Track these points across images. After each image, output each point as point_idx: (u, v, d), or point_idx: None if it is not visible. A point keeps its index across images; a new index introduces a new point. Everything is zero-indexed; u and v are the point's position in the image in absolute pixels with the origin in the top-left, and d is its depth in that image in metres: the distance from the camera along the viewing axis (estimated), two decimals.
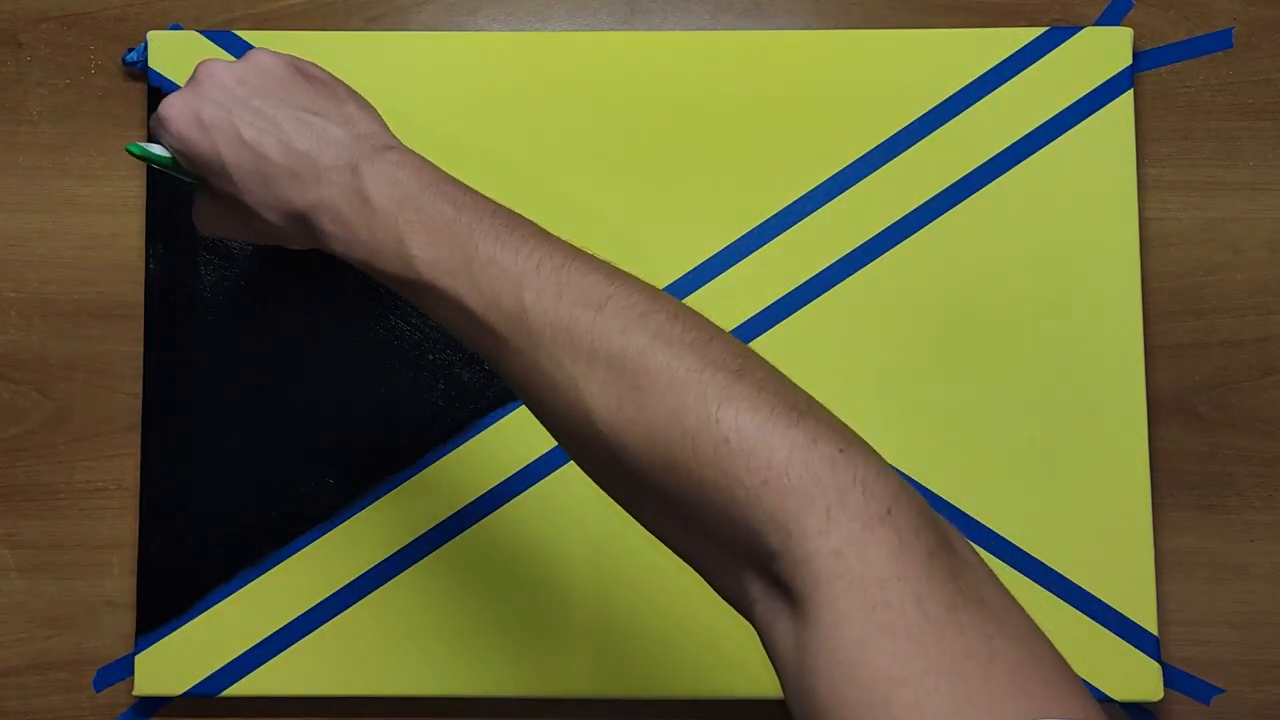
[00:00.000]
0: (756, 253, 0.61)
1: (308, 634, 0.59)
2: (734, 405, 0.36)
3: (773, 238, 0.61)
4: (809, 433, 0.36)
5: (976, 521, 0.59)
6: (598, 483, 0.42)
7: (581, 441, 0.40)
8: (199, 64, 0.48)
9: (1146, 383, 0.60)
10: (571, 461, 0.59)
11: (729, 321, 0.60)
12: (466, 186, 0.45)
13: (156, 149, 0.49)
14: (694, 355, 0.38)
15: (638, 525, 0.60)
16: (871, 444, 0.38)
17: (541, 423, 0.42)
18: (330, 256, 0.46)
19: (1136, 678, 0.58)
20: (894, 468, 0.38)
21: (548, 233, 0.44)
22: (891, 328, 0.60)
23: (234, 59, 0.48)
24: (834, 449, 0.36)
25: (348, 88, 0.49)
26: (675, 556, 0.42)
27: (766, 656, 0.38)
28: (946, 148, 0.61)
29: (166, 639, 0.59)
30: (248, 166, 0.46)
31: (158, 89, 0.62)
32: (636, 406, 0.38)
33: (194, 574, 0.59)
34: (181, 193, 0.61)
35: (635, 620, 0.59)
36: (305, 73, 0.49)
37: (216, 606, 0.59)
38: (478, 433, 0.60)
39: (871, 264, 0.61)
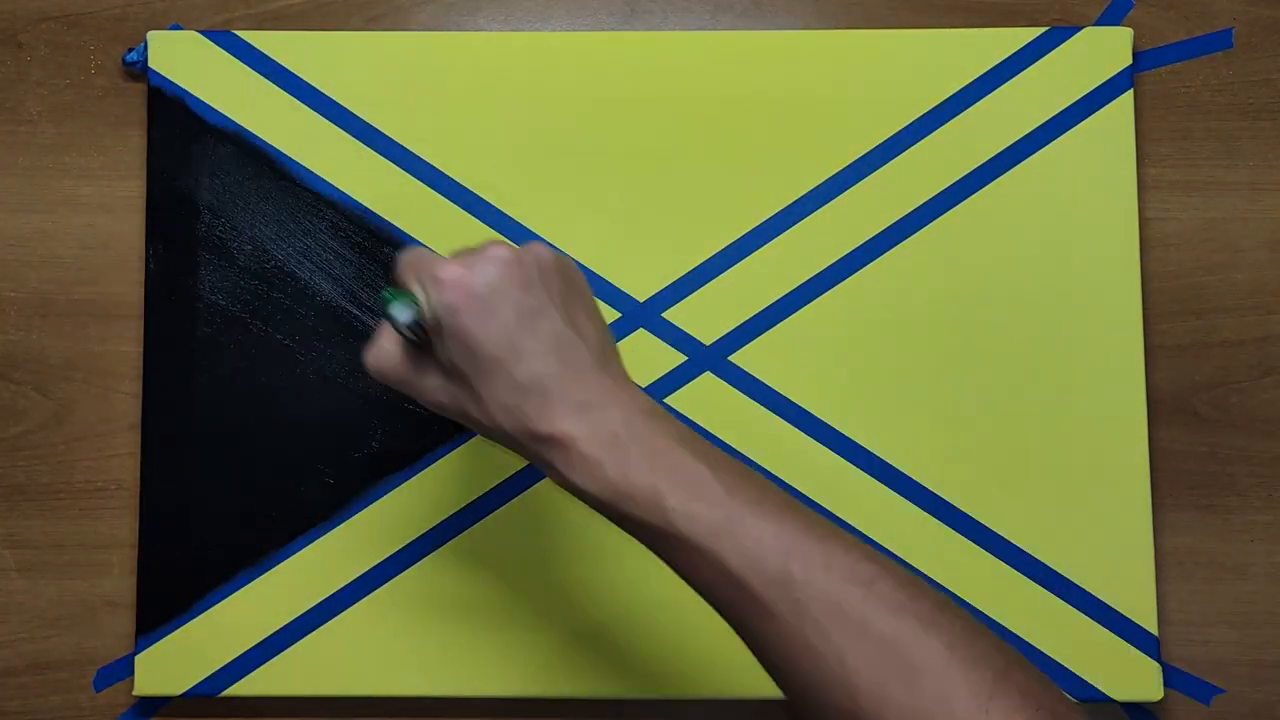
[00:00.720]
0: (756, 253, 0.61)
1: (308, 634, 0.59)
2: (1002, 701, 0.38)
3: (773, 238, 0.61)
4: None
5: (977, 521, 0.59)
6: None
7: (839, 715, 0.40)
8: (490, 243, 0.45)
9: (1146, 383, 0.60)
10: None
11: (729, 321, 0.60)
12: (711, 446, 0.44)
13: (404, 303, 0.46)
14: (965, 647, 0.39)
15: None
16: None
17: (787, 693, 0.42)
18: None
19: (1136, 678, 0.58)
20: None
21: (797, 502, 0.43)
22: (891, 328, 0.60)
23: (512, 247, 0.45)
24: None
25: (594, 300, 0.47)
26: None
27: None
28: (946, 148, 0.61)
29: (166, 639, 0.59)
30: (506, 369, 0.44)
31: (158, 89, 0.62)
32: (906, 689, 0.38)
33: (194, 574, 0.59)
34: (183, 193, 0.61)
35: (635, 620, 0.59)
36: (573, 278, 0.46)
37: (216, 606, 0.59)
38: (477, 433, 0.60)
39: (871, 264, 0.61)
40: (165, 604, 0.59)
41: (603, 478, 0.43)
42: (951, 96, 0.61)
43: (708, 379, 0.60)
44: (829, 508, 0.59)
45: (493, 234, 0.61)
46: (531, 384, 0.44)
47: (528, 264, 0.45)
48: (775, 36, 0.62)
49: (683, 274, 0.61)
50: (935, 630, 0.39)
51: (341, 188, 0.61)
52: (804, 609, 0.40)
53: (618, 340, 0.60)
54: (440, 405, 0.47)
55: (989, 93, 0.61)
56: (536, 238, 0.61)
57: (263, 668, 0.59)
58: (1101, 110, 0.61)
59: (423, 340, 0.46)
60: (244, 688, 0.59)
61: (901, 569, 0.42)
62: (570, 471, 0.43)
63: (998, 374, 0.60)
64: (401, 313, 0.45)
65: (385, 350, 0.48)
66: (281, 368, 0.60)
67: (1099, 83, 0.61)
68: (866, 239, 0.61)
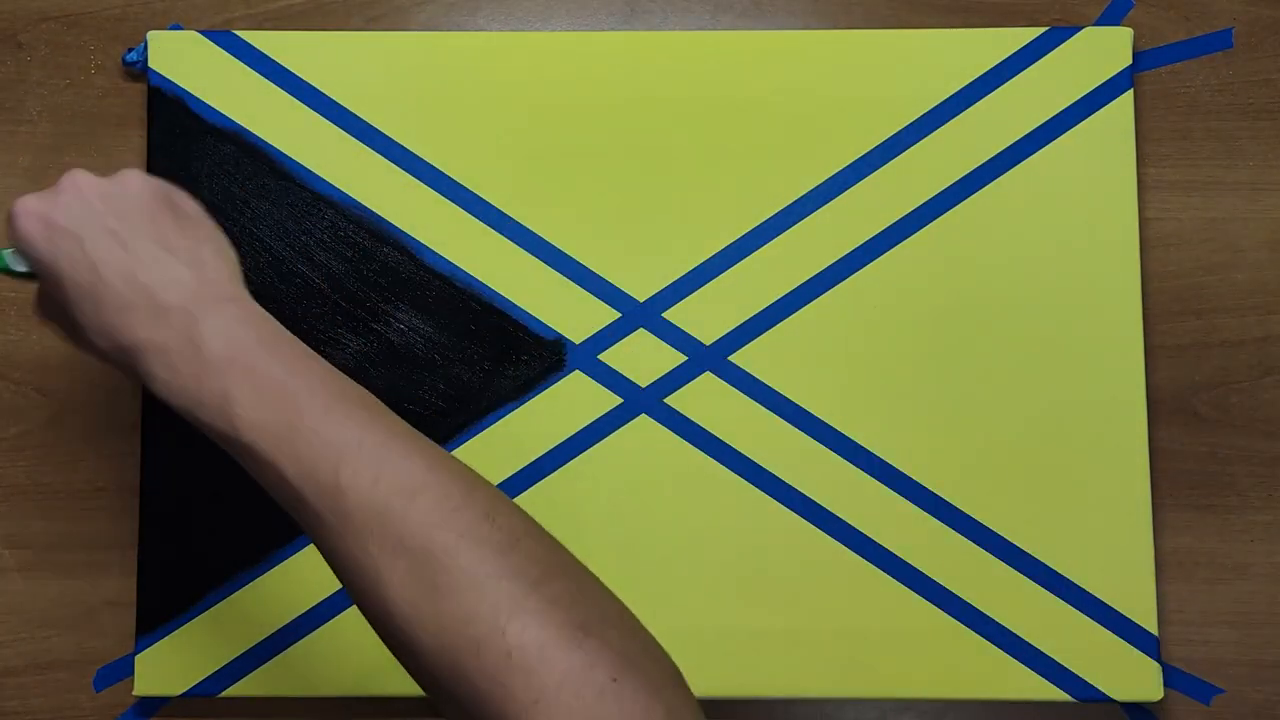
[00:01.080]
0: (756, 253, 0.61)
1: (308, 634, 0.59)
2: (522, 619, 0.37)
3: (773, 238, 0.61)
4: (589, 657, 0.36)
5: (976, 521, 0.59)
6: (402, 662, 0.41)
7: (381, 631, 0.40)
8: (67, 172, 0.46)
9: (1146, 383, 0.60)
10: (571, 462, 0.59)
11: (729, 322, 0.60)
12: (307, 349, 0.44)
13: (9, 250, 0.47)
14: (497, 560, 0.38)
15: (637, 526, 0.60)
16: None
17: (352, 598, 0.42)
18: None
19: (1136, 678, 0.58)
20: (682, 691, 0.40)
21: (381, 406, 0.43)
22: (891, 328, 0.60)
23: (102, 178, 0.46)
24: (607, 677, 0.36)
25: (213, 228, 0.48)
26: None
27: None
28: (946, 148, 0.61)
29: (166, 639, 0.59)
30: (84, 285, 0.44)
31: (158, 89, 0.62)
32: (433, 608, 0.38)
33: (194, 574, 0.59)
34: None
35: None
36: (173, 205, 0.47)
37: (216, 606, 0.59)
38: (478, 433, 0.60)
39: (871, 264, 0.61)
40: (165, 604, 0.59)
41: (180, 387, 0.43)
42: (951, 96, 0.61)
43: (708, 379, 0.60)
44: (829, 507, 0.59)
45: (484, 230, 0.61)
46: (112, 297, 0.44)
47: (110, 184, 0.46)
48: (775, 36, 0.62)
49: (683, 274, 0.61)
50: (472, 543, 0.38)
51: (341, 188, 0.61)
52: (349, 520, 0.39)
53: (617, 340, 0.60)
54: (69, 339, 0.48)
55: (989, 93, 0.61)
56: (537, 237, 0.61)
57: (263, 668, 0.59)
58: (1101, 110, 0.61)
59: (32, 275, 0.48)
60: (244, 688, 0.59)
61: (466, 473, 0.41)
62: (151, 381, 0.44)
63: (998, 374, 0.60)
64: (10, 260, 0.47)
65: (38, 301, 0.49)
66: None
67: (1099, 83, 0.61)
68: (866, 239, 0.61)
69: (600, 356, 0.60)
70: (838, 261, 0.61)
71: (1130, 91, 0.61)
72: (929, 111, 0.61)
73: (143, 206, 0.46)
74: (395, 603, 0.38)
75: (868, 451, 0.60)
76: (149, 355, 0.43)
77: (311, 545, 0.59)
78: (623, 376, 0.60)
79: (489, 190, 0.61)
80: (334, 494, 0.40)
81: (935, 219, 0.61)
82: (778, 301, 0.61)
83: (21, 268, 0.47)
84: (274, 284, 0.61)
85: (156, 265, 0.44)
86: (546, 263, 0.61)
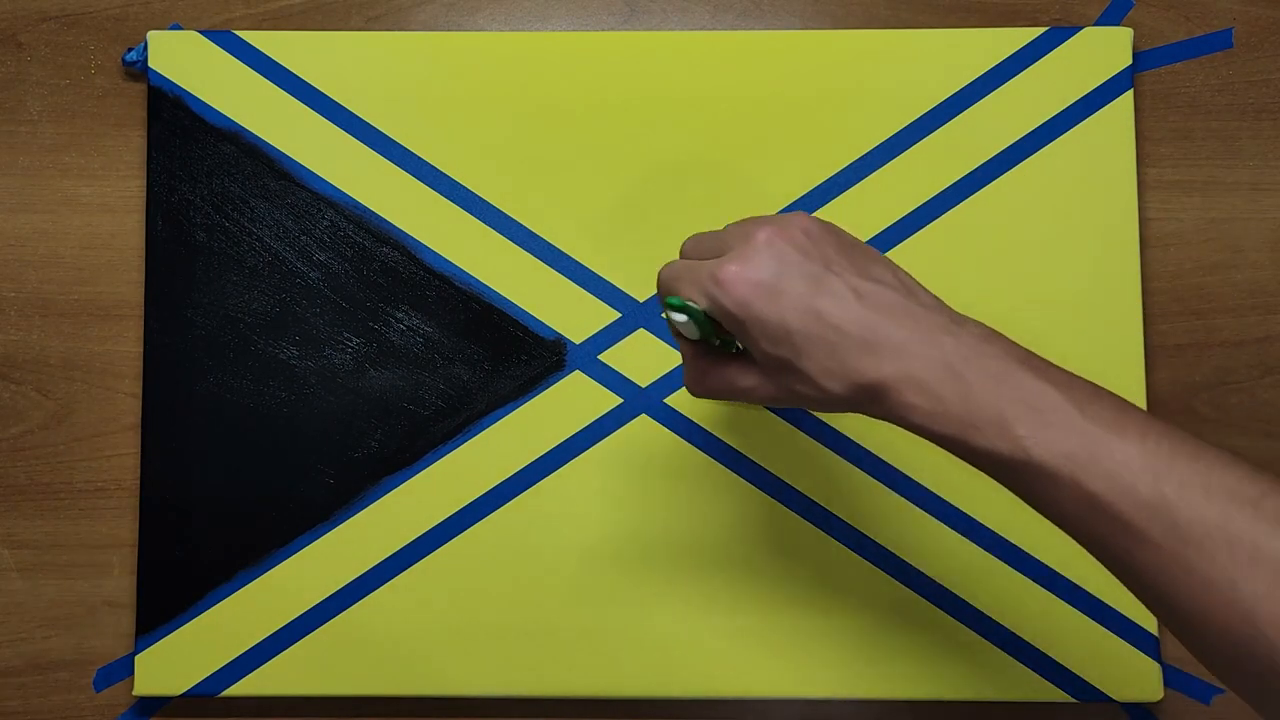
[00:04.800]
0: None
1: (308, 634, 0.59)
2: None
3: None
4: None
5: (976, 521, 0.59)
6: (1238, 685, 0.39)
7: (1233, 641, 0.38)
8: (746, 227, 0.45)
9: (1146, 383, 0.60)
10: (571, 462, 0.59)
11: None
12: (1054, 364, 0.43)
13: (683, 305, 0.46)
14: None
15: (637, 526, 0.60)
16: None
17: (1164, 617, 0.40)
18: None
19: (1136, 678, 0.58)
20: None
21: (1156, 418, 0.42)
22: None
23: (777, 226, 0.45)
24: None
25: (874, 250, 0.47)
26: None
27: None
28: (946, 148, 0.61)
29: (166, 639, 0.59)
30: (815, 334, 0.43)
31: (158, 89, 0.62)
32: None
33: (194, 574, 0.59)
34: (183, 192, 0.61)
35: (635, 620, 0.59)
36: (843, 235, 0.46)
37: (216, 606, 0.59)
38: (478, 433, 0.60)
39: None
40: (165, 604, 0.59)
41: (944, 413, 0.42)
42: (951, 96, 0.61)
43: None
44: (828, 506, 0.59)
45: (484, 230, 0.61)
46: (846, 339, 0.43)
47: (794, 232, 0.45)
48: (775, 36, 0.62)
49: None
50: None
51: (341, 187, 0.61)
52: (1184, 534, 0.38)
53: (617, 340, 0.60)
54: (770, 398, 0.46)
55: (989, 93, 0.61)
56: (537, 237, 0.61)
57: (263, 668, 0.59)
58: (1101, 110, 0.61)
59: (725, 343, 0.47)
60: (244, 688, 0.59)
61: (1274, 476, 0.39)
62: (910, 412, 0.42)
63: None
64: (695, 328, 0.45)
65: (701, 371, 0.48)
66: (281, 368, 0.60)
67: (1099, 83, 0.61)
68: (866, 239, 0.61)
69: (600, 356, 0.60)
70: None
71: (1130, 91, 0.61)
72: (929, 111, 0.61)
73: (829, 243, 0.45)
74: (1262, 614, 0.37)
75: (867, 451, 0.60)
76: (903, 389, 0.42)
77: (311, 545, 0.59)
78: (623, 376, 0.60)
79: (489, 190, 0.61)
80: (1159, 508, 0.38)
81: (935, 219, 0.61)
82: None
83: (694, 335, 0.46)
84: (274, 284, 0.61)
85: (875, 298, 0.43)
86: (546, 263, 0.61)
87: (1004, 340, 0.43)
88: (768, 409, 0.60)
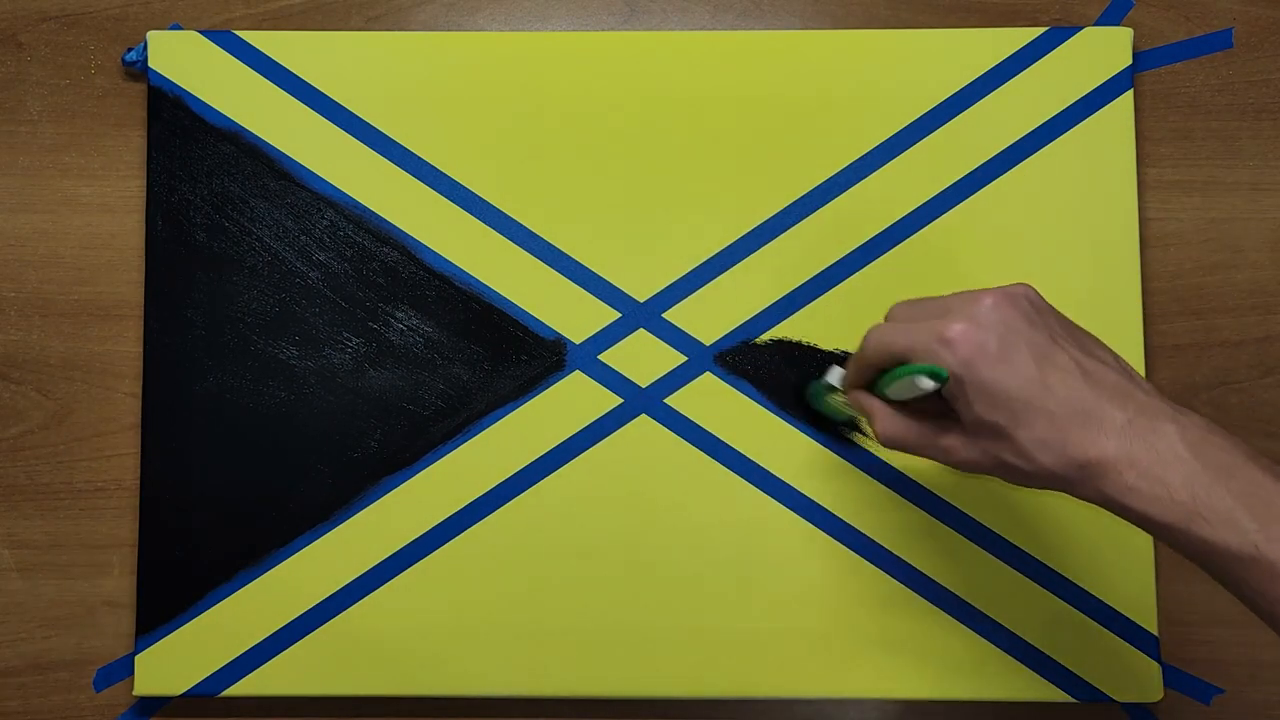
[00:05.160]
0: (757, 253, 0.61)
1: (308, 634, 0.59)
2: None
3: (773, 238, 0.61)
4: None
5: (976, 521, 0.59)
6: None
7: None
8: (973, 293, 0.45)
9: None
10: (571, 462, 0.59)
11: (730, 322, 0.60)
12: (1276, 462, 0.42)
13: (920, 367, 0.45)
14: None
15: (637, 526, 0.60)
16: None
17: None
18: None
19: (1136, 678, 0.58)
20: None
21: None
22: None
23: (1000, 295, 0.45)
24: None
25: (1092, 334, 0.47)
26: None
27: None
28: (946, 148, 0.61)
29: (166, 639, 0.59)
30: (1039, 405, 0.43)
31: (158, 89, 0.62)
32: None
33: (194, 574, 0.59)
34: (183, 192, 0.61)
35: (635, 620, 0.59)
36: (1066, 317, 0.46)
37: (216, 606, 0.59)
38: (478, 433, 0.60)
39: (872, 264, 0.61)
40: (165, 604, 0.59)
41: (1168, 499, 0.41)
42: (951, 96, 0.61)
43: (708, 379, 0.60)
44: (829, 508, 0.59)
45: (484, 230, 0.61)
46: (1069, 414, 0.43)
47: (1021, 302, 0.45)
48: (775, 36, 0.62)
49: (683, 274, 0.61)
50: None
51: (341, 188, 0.61)
52: None
53: (617, 340, 0.60)
54: (971, 463, 0.46)
55: (989, 93, 0.61)
56: (537, 237, 0.61)
57: (263, 668, 0.59)
58: (1101, 110, 0.61)
59: (918, 402, 0.47)
60: (244, 688, 0.59)
61: None
62: (1130, 496, 0.42)
63: None
64: (919, 383, 0.45)
65: (898, 421, 0.48)
66: (281, 368, 0.60)
67: (1099, 83, 0.61)
68: (867, 239, 0.61)
69: (600, 356, 0.60)
70: (838, 261, 0.61)
71: (1130, 91, 0.61)
72: (929, 111, 0.61)
73: (1053, 318, 0.45)
74: None
75: (867, 452, 0.60)
76: (1124, 470, 0.42)
77: (311, 545, 0.59)
78: (623, 376, 0.60)
79: (489, 190, 0.61)
80: None
81: (935, 219, 0.61)
82: (778, 302, 0.60)
83: (926, 386, 0.46)
84: (274, 284, 0.61)
85: (1099, 376, 0.43)
86: (546, 263, 0.61)
87: (1227, 433, 0.43)
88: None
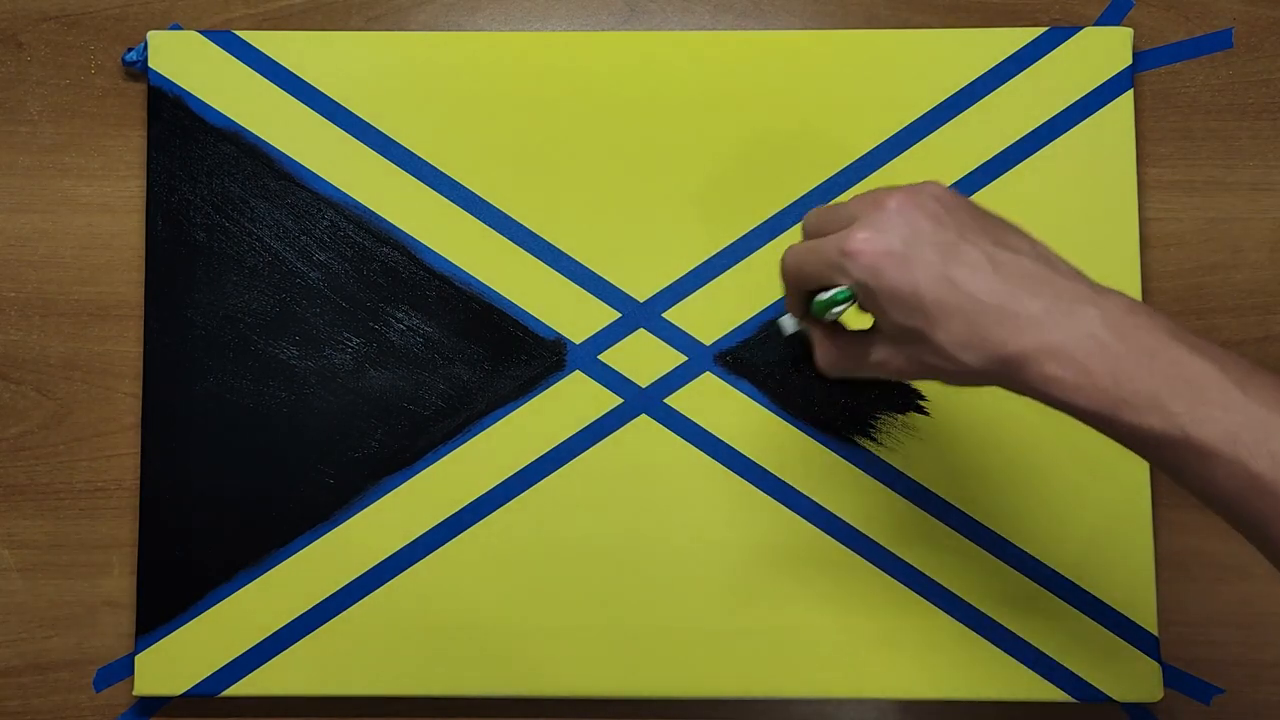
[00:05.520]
0: (757, 253, 0.61)
1: (308, 634, 0.59)
2: None
3: (773, 238, 0.61)
4: None
5: (976, 521, 0.59)
6: None
7: None
8: (877, 196, 0.44)
9: None
10: (571, 462, 0.59)
11: (730, 322, 0.60)
12: (1204, 339, 0.41)
13: (832, 292, 0.45)
14: None
15: (637, 526, 0.60)
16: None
17: None
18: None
19: (1136, 678, 0.58)
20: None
21: None
22: None
23: (906, 193, 0.44)
24: None
25: (1008, 220, 0.45)
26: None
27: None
28: (946, 148, 0.61)
29: (166, 639, 0.59)
30: (952, 305, 0.42)
31: (158, 89, 0.62)
32: None
33: (194, 574, 0.59)
34: (183, 192, 0.61)
35: (634, 620, 0.59)
36: (979, 207, 0.45)
37: (216, 606, 0.59)
38: (478, 433, 0.60)
39: None
40: (165, 604, 0.59)
41: (1091, 387, 0.40)
42: (951, 96, 0.61)
43: (708, 379, 0.60)
44: (827, 505, 0.59)
45: (484, 230, 0.61)
46: (982, 309, 0.41)
47: (926, 201, 0.43)
48: (775, 36, 0.62)
49: (683, 274, 0.61)
50: None
51: (341, 188, 0.61)
52: None
53: (617, 340, 0.60)
54: (901, 371, 0.45)
55: (989, 93, 0.61)
56: (537, 237, 0.61)
57: (263, 668, 0.59)
58: (1101, 110, 0.61)
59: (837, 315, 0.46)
60: (244, 688, 0.59)
61: None
62: (1053, 386, 0.41)
63: None
64: (832, 304, 0.45)
65: (829, 348, 0.47)
66: (281, 368, 0.60)
67: (1099, 83, 0.61)
68: None
69: (600, 356, 0.60)
70: None
71: (1130, 91, 0.61)
72: (929, 112, 0.61)
73: (963, 211, 0.44)
74: None
75: (867, 451, 0.60)
76: (1044, 361, 0.41)
77: (311, 545, 0.59)
78: (623, 376, 0.60)
79: (489, 190, 0.61)
80: None
81: None
82: (778, 301, 0.60)
83: (837, 307, 0.45)
84: (274, 284, 0.61)
85: (1012, 267, 0.42)
86: (546, 263, 0.61)
87: (1150, 311, 0.41)
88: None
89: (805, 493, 0.59)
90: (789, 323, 0.51)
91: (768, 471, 0.60)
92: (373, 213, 0.61)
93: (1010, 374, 0.42)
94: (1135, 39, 0.62)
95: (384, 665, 0.59)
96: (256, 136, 0.61)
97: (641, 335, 0.61)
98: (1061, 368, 0.41)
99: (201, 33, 0.62)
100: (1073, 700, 0.58)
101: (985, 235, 0.43)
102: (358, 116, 0.62)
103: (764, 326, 0.60)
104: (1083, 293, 0.42)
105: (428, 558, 0.59)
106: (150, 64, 0.62)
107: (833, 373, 0.48)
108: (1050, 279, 0.42)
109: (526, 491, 0.60)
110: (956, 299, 0.42)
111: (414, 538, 0.59)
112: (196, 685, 0.59)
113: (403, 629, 0.59)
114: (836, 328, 0.48)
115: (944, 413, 0.60)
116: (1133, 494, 0.59)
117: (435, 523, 0.60)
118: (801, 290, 0.48)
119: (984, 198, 0.61)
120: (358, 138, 0.61)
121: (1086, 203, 0.61)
